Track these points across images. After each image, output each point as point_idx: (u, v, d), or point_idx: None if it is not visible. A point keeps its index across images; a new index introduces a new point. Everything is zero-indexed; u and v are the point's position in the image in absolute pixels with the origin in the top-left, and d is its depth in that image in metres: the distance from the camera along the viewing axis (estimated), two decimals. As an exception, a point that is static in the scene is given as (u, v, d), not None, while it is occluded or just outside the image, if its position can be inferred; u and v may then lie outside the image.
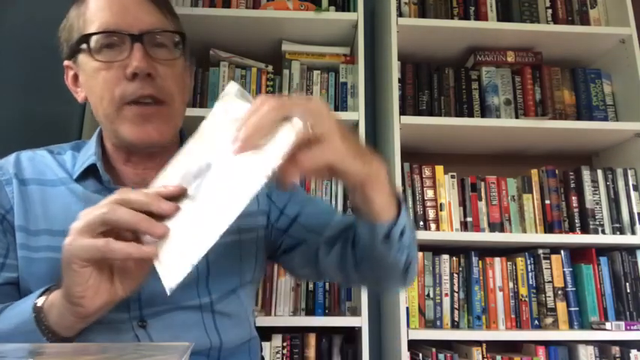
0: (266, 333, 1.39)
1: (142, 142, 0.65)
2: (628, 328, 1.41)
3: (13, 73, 1.08)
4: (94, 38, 0.65)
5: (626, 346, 1.43)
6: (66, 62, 0.71)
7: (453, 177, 1.56)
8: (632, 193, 1.56)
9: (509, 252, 1.57)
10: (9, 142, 0.75)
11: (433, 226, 1.50)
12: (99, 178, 0.69)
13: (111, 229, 0.52)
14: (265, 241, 0.78)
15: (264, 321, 1.36)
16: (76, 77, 0.70)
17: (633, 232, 1.53)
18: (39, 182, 0.70)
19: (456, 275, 1.50)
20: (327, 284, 1.45)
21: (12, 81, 1.08)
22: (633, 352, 1.42)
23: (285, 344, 1.39)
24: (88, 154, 0.71)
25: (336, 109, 1.59)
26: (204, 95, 1.61)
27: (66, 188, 0.69)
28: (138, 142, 0.66)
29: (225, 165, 0.50)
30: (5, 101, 1.06)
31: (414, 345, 1.41)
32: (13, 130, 0.97)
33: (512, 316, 1.48)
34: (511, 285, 1.50)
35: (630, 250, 1.52)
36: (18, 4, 1.10)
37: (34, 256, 0.65)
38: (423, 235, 1.46)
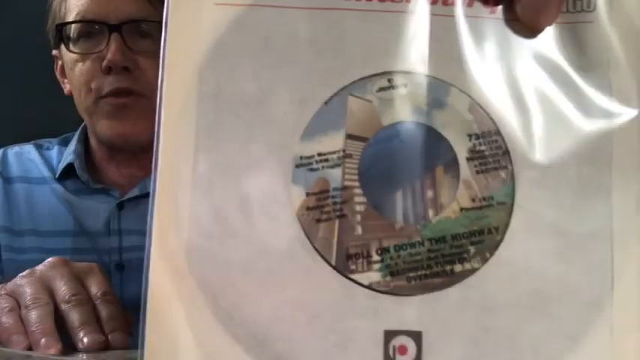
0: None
1: (118, 137, 0.62)
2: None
3: (13, 73, 1.06)
4: (70, 27, 0.62)
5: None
6: (54, 52, 0.68)
7: None
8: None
9: None
10: (8, 143, 0.74)
11: None
12: (79, 176, 0.66)
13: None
14: None
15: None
16: (63, 68, 0.67)
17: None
18: (25, 180, 0.67)
19: None
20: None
21: (12, 81, 1.06)
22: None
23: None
24: (69, 151, 0.68)
25: None
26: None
27: (49, 187, 0.67)
28: (114, 138, 0.62)
29: None
30: (5, 101, 1.04)
31: None
32: (13, 129, 0.96)
33: None
34: None
35: None
36: (18, 3, 1.09)
37: (19, 258, 0.63)
38: None
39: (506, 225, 0.23)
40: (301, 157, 0.23)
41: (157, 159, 0.22)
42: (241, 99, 0.23)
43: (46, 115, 0.97)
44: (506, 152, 0.23)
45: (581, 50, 0.24)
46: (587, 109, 0.23)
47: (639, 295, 0.23)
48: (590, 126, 0.23)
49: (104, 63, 0.59)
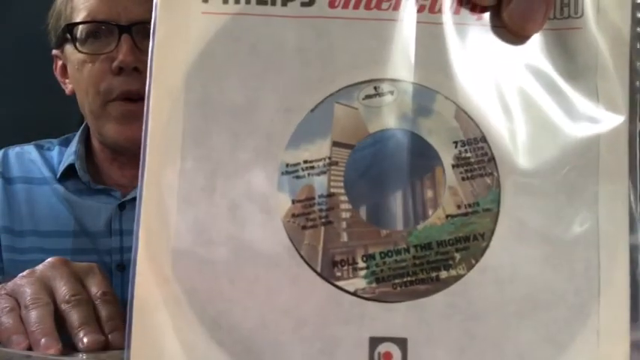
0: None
1: (126, 141, 0.62)
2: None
3: (13, 73, 1.07)
4: (79, 28, 0.62)
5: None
6: (54, 51, 0.69)
7: None
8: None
9: None
10: (9, 143, 0.74)
11: None
12: (80, 177, 0.67)
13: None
14: None
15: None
16: (64, 68, 0.68)
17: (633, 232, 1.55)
18: (26, 180, 0.68)
19: None
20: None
21: (12, 81, 1.06)
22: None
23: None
24: (70, 152, 0.69)
25: None
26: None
27: (50, 188, 0.67)
28: (122, 142, 0.63)
29: None
30: (5, 101, 1.05)
31: None
32: (13, 130, 0.96)
33: None
34: None
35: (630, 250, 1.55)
36: (18, 3, 1.09)
37: (20, 258, 0.64)
38: None
39: (492, 231, 0.23)
40: (287, 165, 0.23)
41: (143, 166, 0.23)
42: (228, 107, 0.23)
43: (47, 115, 0.97)
44: (492, 159, 0.23)
45: (569, 57, 0.24)
46: (574, 116, 0.23)
47: (626, 301, 0.23)
48: (577, 132, 0.23)
49: (115, 63, 0.60)
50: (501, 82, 0.23)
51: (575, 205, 0.23)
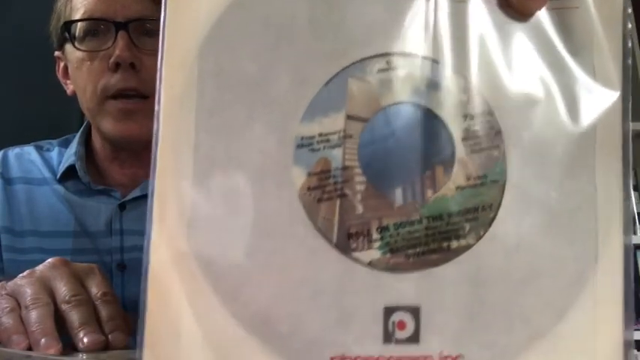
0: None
1: (123, 137, 0.62)
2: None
3: (13, 74, 1.04)
4: (77, 26, 0.63)
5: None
6: (56, 53, 0.69)
7: None
8: (632, 193, 1.64)
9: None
10: (9, 143, 0.74)
11: None
12: (81, 178, 0.67)
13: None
14: None
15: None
16: (66, 69, 0.68)
17: (634, 232, 1.62)
18: (25, 181, 0.68)
19: None
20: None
21: (12, 81, 1.04)
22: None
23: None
24: (70, 153, 0.68)
25: None
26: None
27: (50, 188, 0.67)
28: (119, 138, 0.63)
29: None
30: (5, 101, 1.02)
31: None
32: (13, 130, 0.94)
33: None
34: None
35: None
36: (18, 3, 1.06)
37: (20, 259, 0.63)
38: None
39: (499, 202, 0.24)
40: (302, 138, 0.23)
41: (157, 139, 0.22)
42: (242, 79, 0.23)
43: (47, 116, 0.95)
44: (499, 132, 0.24)
45: (567, 35, 0.25)
46: (573, 91, 0.25)
47: (621, 268, 0.24)
48: (575, 107, 0.25)
49: (112, 60, 0.60)
50: (506, 58, 0.24)
51: (574, 176, 0.24)
